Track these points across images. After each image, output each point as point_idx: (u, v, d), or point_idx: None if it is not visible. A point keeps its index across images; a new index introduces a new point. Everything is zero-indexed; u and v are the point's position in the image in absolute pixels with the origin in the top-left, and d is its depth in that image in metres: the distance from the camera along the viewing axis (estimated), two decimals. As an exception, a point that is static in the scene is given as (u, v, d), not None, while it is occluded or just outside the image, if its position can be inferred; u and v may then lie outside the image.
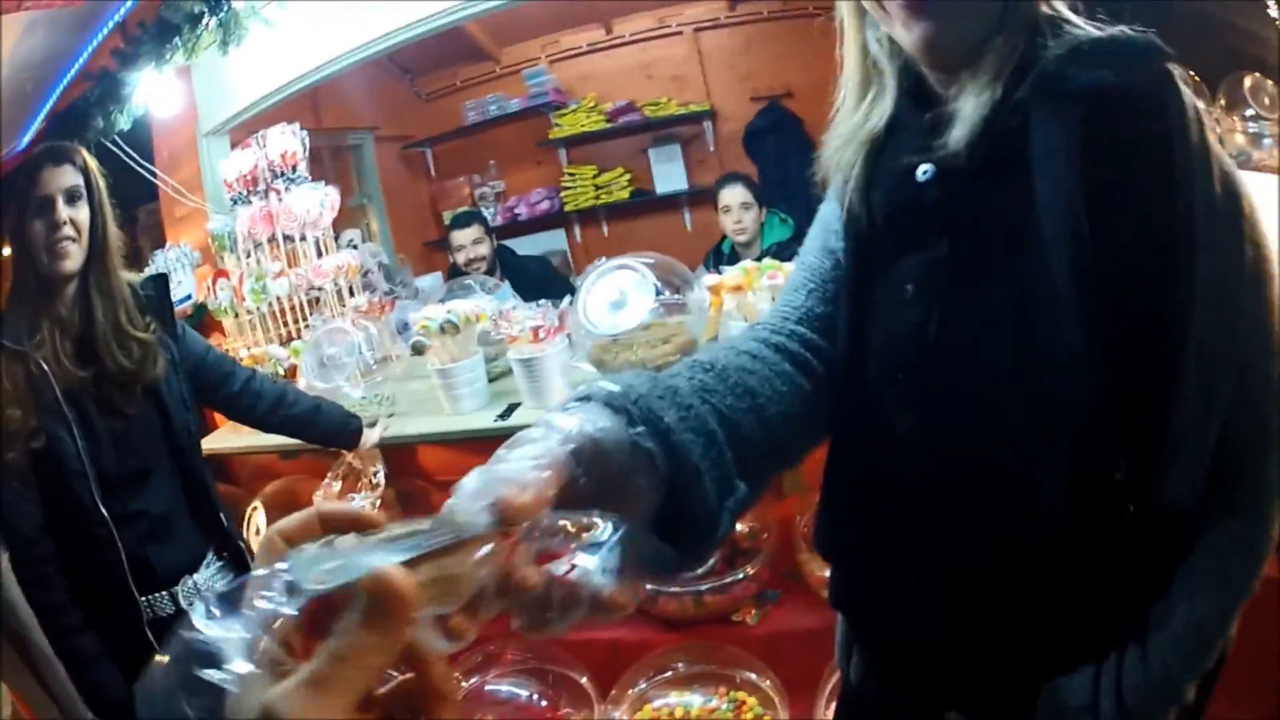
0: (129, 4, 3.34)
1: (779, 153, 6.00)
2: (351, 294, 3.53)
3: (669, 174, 6.56)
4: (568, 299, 2.64)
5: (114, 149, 3.64)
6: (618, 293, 2.54)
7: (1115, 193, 0.79)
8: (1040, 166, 0.81)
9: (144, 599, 2.09)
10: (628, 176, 6.66)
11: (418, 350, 2.75)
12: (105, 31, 3.43)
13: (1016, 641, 0.94)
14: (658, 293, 2.54)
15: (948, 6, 0.82)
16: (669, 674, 2.50)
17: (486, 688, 2.60)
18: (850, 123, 0.99)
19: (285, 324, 3.57)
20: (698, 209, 6.48)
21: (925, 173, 0.91)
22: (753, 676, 2.44)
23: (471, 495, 0.55)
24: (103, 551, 2.03)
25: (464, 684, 2.58)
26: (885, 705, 1.16)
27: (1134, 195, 0.80)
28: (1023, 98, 0.81)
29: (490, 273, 4.57)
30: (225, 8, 3.24)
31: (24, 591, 2.08)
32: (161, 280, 2.28)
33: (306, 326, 3.48)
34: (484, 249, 4.60)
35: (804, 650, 2.41)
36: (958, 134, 0.84)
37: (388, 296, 3.85)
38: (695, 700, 2.45)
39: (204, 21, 3.25)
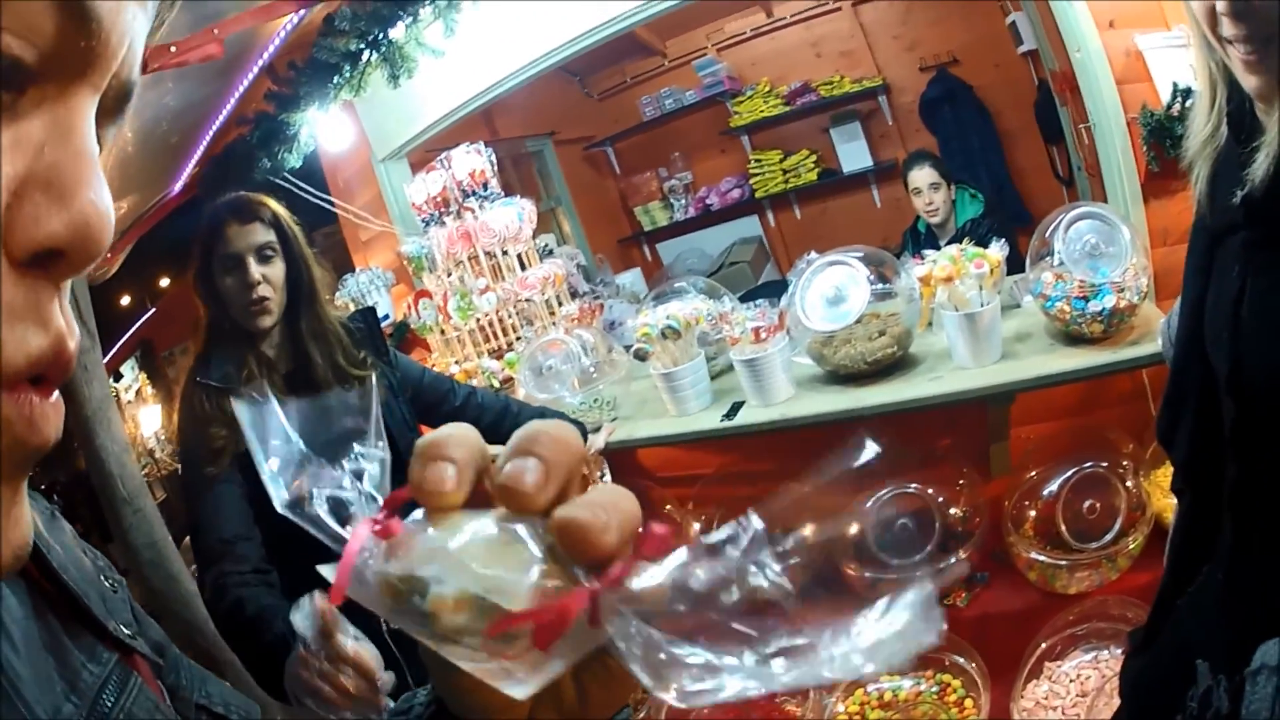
0: (271, 49, 3.38)
1: (957, 123, 5.89)
2: (560, 303, 3.61)
3: (853, 152, 6.52)
4: (785, 297, 2.66)
5: (285, 184, 3.74)
6: (833, 289, 2.57)
7: None
8: None
9: None
10: (814, 158, 6.65)
11: (640, 357, 2.82)
12: (251, 76, 3.50)
13: None
14: (870, 284, 2.55)
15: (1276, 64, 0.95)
16: (881, 659, 2.59)
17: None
18: (1200, 130, 1.14)
19: (494, 336, 3.68)
20: (885, 185, 6.44)
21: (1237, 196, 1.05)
22: (960, 660, 2.51)
23: None
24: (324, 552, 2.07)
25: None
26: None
27: None
28: None
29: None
30: (385, 42, 3.18)
31: (231, 593, 1.94)
32: (370, 313, 2.31)
33: (518, 338, 3.58)
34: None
35: (1010, 631, 2.49)
36: (1259, 171, 0.99)
37: (594, 300, 3.92)
38: (905, 684, 2.55)
39: (364, 58, 3.21)
